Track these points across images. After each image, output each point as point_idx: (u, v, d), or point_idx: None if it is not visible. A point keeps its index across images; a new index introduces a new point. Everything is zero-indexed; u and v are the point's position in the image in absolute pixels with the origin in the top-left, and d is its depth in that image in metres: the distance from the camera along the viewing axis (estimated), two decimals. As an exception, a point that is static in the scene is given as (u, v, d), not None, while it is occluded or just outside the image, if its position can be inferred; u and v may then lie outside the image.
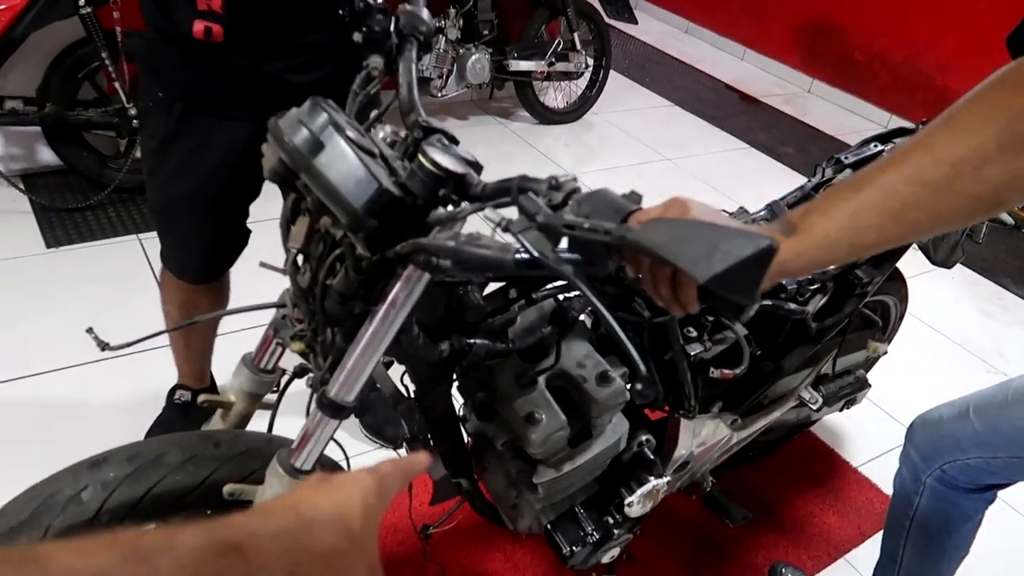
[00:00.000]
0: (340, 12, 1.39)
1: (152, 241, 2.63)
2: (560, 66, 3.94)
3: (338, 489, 0.44)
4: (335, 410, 1.00)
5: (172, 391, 1.93)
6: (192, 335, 1.83)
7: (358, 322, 0.98)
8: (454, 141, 0.97)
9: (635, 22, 4.16)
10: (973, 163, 0.68)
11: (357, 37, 1.07)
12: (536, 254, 0.74)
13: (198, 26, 1.33)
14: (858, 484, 2.16)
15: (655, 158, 4.00)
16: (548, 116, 4.13)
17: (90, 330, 1.16)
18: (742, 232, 0.62)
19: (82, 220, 2.69)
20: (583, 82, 4.20)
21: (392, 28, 1.07)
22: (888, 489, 2.16)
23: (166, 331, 1.17)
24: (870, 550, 1.97)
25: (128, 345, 1.16)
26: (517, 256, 0.76)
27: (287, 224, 0.99)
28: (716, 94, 5.06)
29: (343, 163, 0.83)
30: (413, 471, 0.54)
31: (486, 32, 3.70)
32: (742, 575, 1.83)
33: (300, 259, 1.01)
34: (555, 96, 4.22)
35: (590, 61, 4.11)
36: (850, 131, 4.75)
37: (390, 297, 0.94)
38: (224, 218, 1.62)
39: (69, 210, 2.71)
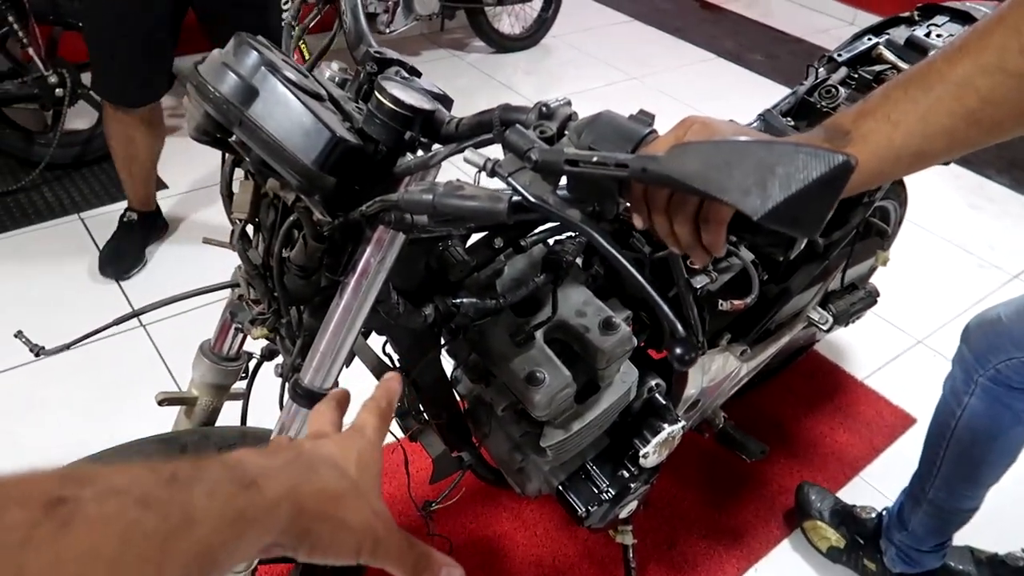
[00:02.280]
0: None
1: (95, 219, 2.44)
2: (512, -13, 3.72)
3: (334, 443, 0.48)
4: (312, 399, 0.87)
5: (122, 214, 2.28)
6: (133, 164, 2.15)
7: (326, 297, 0.85)
8: (415, 73, 0.82)
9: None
10: None
11: None
12: (534, 200, 0.60)
13: None
14: (865, 397, 2.09)
15: (620, 78, 3.82)
16: (504, 43, 3.92)
17: (19, 334, 1.02)
18: (803, 148, 0.48)
19: (14, 204, 2.47)
20: (537, 4, 3.97)
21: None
22: (896, 399, 2.10)
23: (103, 328, 1.02)
24: (885, 464, 1.91)
25: (66, 347, 1.02)
26: (511, 204, 0.62)
27: (228, 190, 0.84)
28: (675, 4, 4.85)
29: (284, 111, 0.68)
30: (391, 400, 0.55)
31: (429, -43, 3.45)
32: (760, 506, 1.76)
33: (250, 230, 0.86)
34: (509, 21, 3.99)
35: (542, -20, 3.89)
36: (817, 31, 4.58)
37: (361, 265, 0.80)
38: (152, 35, 1.90)
39: None
